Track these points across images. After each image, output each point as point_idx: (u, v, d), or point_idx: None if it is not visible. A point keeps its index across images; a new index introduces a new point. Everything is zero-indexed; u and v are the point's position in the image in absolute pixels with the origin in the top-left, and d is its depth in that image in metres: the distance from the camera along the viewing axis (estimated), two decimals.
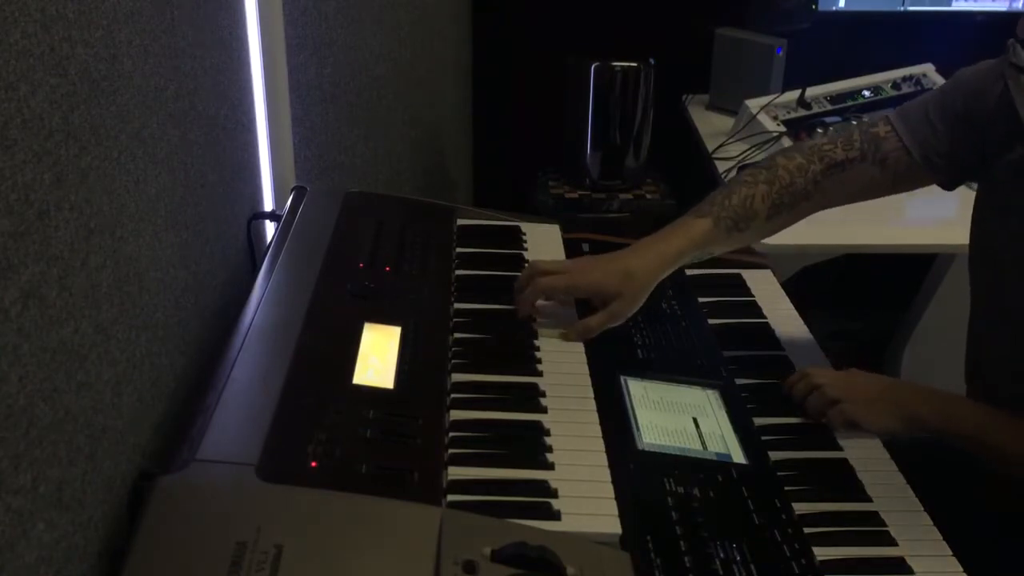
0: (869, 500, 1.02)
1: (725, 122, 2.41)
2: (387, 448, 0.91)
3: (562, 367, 1.13)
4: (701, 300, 1.38)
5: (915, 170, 1.25)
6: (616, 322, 1.22)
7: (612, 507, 0.91)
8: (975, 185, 1.28)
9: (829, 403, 1.15)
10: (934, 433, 1.16)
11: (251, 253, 1.32)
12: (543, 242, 1.42)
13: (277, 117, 1.37)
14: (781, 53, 2.42)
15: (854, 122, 1.37)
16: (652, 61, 2.37)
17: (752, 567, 0.90)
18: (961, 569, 0.93)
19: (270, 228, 1.40)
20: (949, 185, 1.28)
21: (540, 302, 1.23)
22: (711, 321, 1.33)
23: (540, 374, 1.11)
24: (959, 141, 1.22)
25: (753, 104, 2.25)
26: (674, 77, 2.50)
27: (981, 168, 1.21)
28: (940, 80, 2.32)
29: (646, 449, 1.05)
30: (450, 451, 0.95)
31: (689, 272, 1.42)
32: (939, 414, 1.16)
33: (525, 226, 1.46)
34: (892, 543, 0.96)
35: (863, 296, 2.88)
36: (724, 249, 1.31)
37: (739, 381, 1.21)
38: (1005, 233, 1.17)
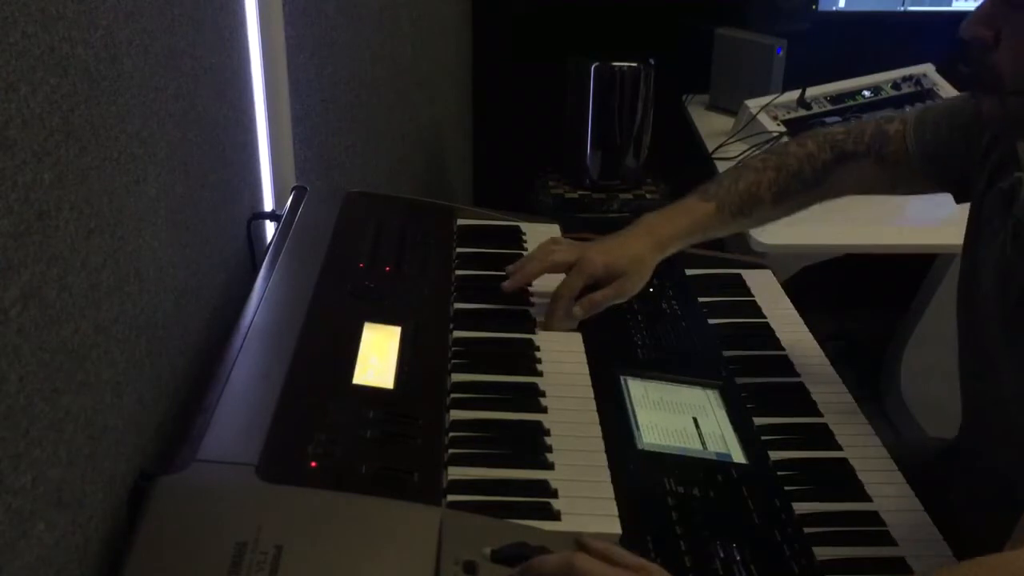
0: (869, 500, 1.02)
1: (725, 122, 2.41)
2: (387, 448, 0.91)
3: (562, 367, 1.13)
4: (701, 300, 1.37)
5: (912, 174, 1.23)
6: (621, 299, 1.23)
7: (612, 507, 0.91)
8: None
9: None
10: None
11: (251, 253, 1.32)
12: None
13: (277, 117, 1.36)
14: (781, 53, 2.42)
15: (880, 115, 1.34)
16: (652, 61, 2.37)
17: (752, 567, 0.90)
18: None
19: (270, 228, 1.40)
20: (956, 194, 1.24)
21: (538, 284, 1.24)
22: (711, 321, 1.33)
23: (540, 374, 1.11)
24: (956, 153, 1.19)
25: (753, 104, 2.26)
26: (674, 77, 2.50)
27: (969, 192, 1.17)
28: (940, 80, 2.32)
29: (646, 449, 1.05)
30: (450, 451, 0.95)
31: (689, 272, 1.42)
32: None
33: (525, 226, 1.46)
34: (892, 543, 0.96)
35: (863, 296, 2.88)
36: (728, 232, 1.32)
37: (739, 381, 1.21)
38: (990, 262, 1.10)
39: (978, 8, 0.99)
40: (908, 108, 2.24)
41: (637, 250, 1.24)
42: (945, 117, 1.21)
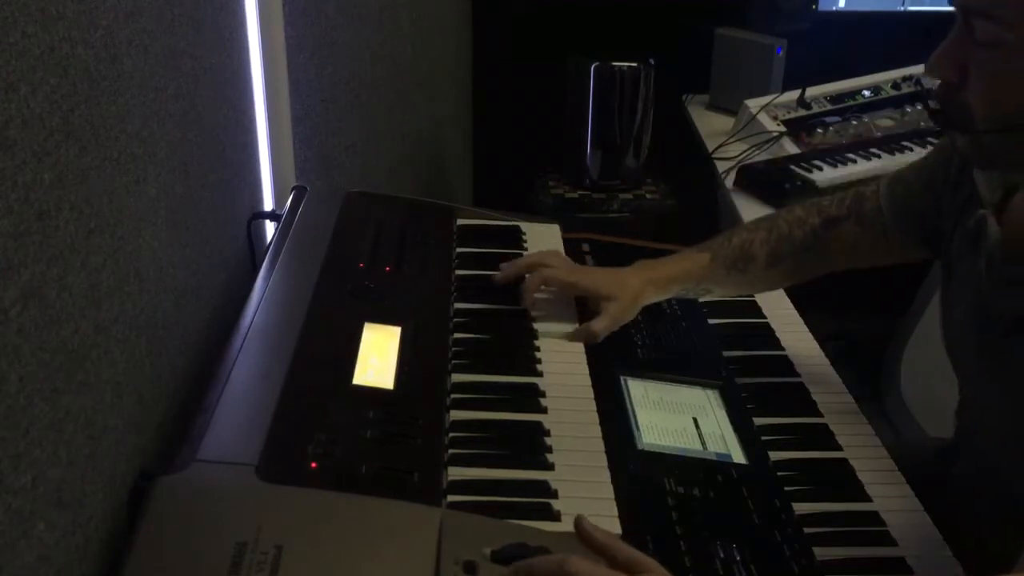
0: (869, 500, 1.02)
1: (725, 122, 2.41)
2: (387, 448, 0.91)
3: (562, 367, 1.13)
4: (701, 300, 1.37)
5: (891, 232, 1.20)
6: (617, 325, 1.23)
7: (612, 507, 0.91)
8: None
9: None
10: None
11: (251, 253, 1.32)
12: (543, 242, 1.42)
13: (277, 117, 1.36)
14: (781, 53, 2.42)
15: (862, 184, 1.31)
16: (652, 61, 2.37)
17: (752, 567, 0.90)
18: (961, 569, 0.93)
19: (270, 228, 1.40)
20: (933, 254, 1.20)
21: (539, 295, 1.24)
22: (711, 321, 1.33)
23: (540, 374, 1.11)
24: (927, 206, 1.16)
25: (753, 104, 2.25)
26: (674, 77, 2.50)
27: (941, 241, 1.15)
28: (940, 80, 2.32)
29: (646, 449, 1.05)
30: (450, 451, 0.95)
31: None
32: None
33: (525, 226, 1.46)
34: (892, 543, 0.96)
35: (863, 296, 2.88)
36: (725, 290, 1.32)
37: (739, 381, 1.21)
38: (965, 302, 1.07)
39: (942, 46, 0.96)
40: (907, 108, 2.24)
41: (627, 279, 1.24)
42: (916, 173, 1.19)
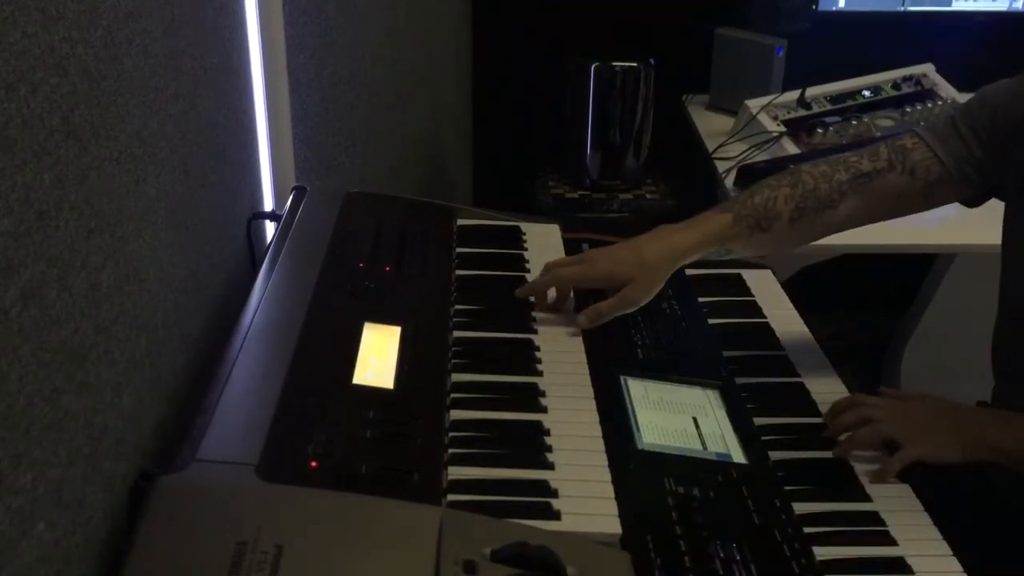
0: (869, 500, 1.02)
1: (725, 122, 2.41)
2: (387, 448, 0.91)
3: (562, 367, 1.13)
4: (701, 300, 1.38)
5: (946, 180, 1.22)
6: (628, 308, 1.22)
7: (612, 507, 0.91)
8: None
9: (884, 440, 1.09)
10: (1005, 457, 1.09)
11: (251, 253, 1.32)
12: (543, 242, 1.42)
13: (277, 117, 1.36)
14: (781, 53, 2.42)
15: (880, 136, 1.33)
16: (652, 61, 2.37)
17: (752, 567, 0.90)
18: (961, 569, 0.93)
19: (270, 228, 1.40)
20: (974, 201, 1.26)
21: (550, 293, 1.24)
22: (711, 321, 1.33)
23: (540, 374, 1.11)
24: (988, 155, 1.20)
25: (753, 104, 2.25)
26: (674, 77, 2.50)
27: (1009, 186, 1.19)
28: (940, 80, 2.32)
29: (646, 449, 1.05)
30: (450, 451, 0.95)
31: (689, 272, 1.42)
32: (1009, 433, 1.10)
33: (525, 226, 1.46)
34: (892, 543, 0.96)
35: (863, 296, 2.88)
36: (747, 250, 1.30)
37: (739, 381, 1.21)
38: None
39: None
40: (907, 108, 2.24)
41: (647, 257, 1.22)
42: (964, 124, 1.22)
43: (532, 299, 1.25)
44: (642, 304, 1.23)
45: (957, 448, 1.09)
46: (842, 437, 1.10)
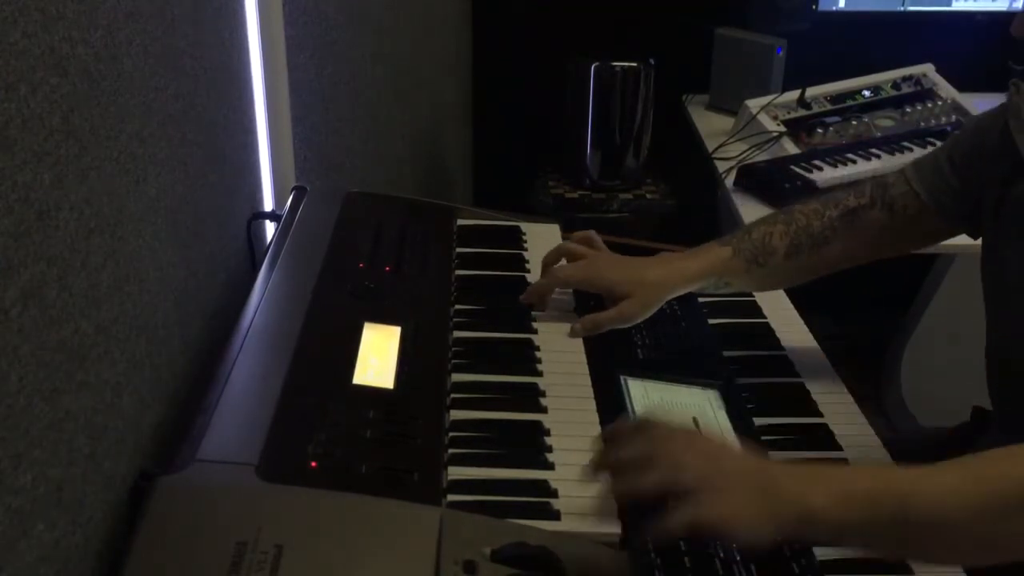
0: None
1: (725, 122, 2.41)
2: (387, 448, 0.91)
3: (562, 367, 1.13)
4: (701, 300, 1.37)
5: (927, 212, 1.22)
6: (624, 323, 1.23)
7: (612, 507, 0.91)
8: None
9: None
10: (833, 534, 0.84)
11: (251, 253, 1.32)
12: (543, 242, 1.42)
13: (277, 117, 1.37)
14: (781, 53, 2.42)
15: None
16: (652, 61, 2.37)
17: (752, 567, 0.90)
18: (961, 569, 0.93)
19: (270, 228, 1.40)
20: (970, 231, 1.24)
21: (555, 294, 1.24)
22: (711, 321, 1.33)
23: (540, 374, 1.11)
24: (967, 179, 1.19)
25: (753, 104, 2.25)
26: (674, 77, 2.50)
27: (988, 205, 1.17)
28: (940, 80, 2.32)
29: None
30: (450, 451, 0.95)
31: None
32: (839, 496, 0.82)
33: (525, 226, 1.46)
34: None
35: (863, 296, 2.88)
36: (746, 284, 1.32)
37: (739, 381, 1.21)
38: (1016, 261, 1.11)
39: None
40: (907, 108, 2.25)
41: (648, 276, 1.24)
42: (944, 154, 1.21)
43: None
44: (637, 321, 1.24)
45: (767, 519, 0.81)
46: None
